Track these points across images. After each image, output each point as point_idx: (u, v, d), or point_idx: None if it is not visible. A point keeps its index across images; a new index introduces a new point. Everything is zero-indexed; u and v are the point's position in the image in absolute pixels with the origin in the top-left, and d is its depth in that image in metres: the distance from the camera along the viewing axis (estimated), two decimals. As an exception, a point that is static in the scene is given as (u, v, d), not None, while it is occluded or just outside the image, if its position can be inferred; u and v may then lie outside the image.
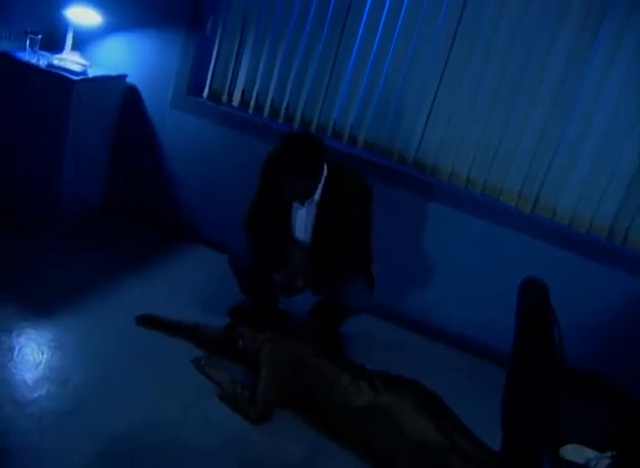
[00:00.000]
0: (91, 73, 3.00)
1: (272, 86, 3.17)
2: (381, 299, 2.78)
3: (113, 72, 3.20)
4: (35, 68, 2.88)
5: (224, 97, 3.26)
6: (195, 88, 3.27)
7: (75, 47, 3.06)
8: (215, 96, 3.27)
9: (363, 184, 2.44)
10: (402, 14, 2.93)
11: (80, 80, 2.89)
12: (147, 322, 2.55)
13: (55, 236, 3.04)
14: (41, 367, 2.18)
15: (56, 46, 3.15)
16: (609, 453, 1.81)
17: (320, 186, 2.39)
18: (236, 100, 3.24)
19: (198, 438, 2.07)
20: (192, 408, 2.20)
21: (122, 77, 3.23)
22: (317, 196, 2.41)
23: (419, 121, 3.02)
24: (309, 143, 2.30)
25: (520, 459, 1.73)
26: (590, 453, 1.81)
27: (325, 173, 2.39)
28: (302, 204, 2.45)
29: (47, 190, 3.02)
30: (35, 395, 2.04)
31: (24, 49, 2.98)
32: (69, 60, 2.94)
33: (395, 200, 3.00)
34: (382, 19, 2.96)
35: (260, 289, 2.65)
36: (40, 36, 2.99)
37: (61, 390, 2.10)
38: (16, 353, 2.21)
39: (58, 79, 2.86)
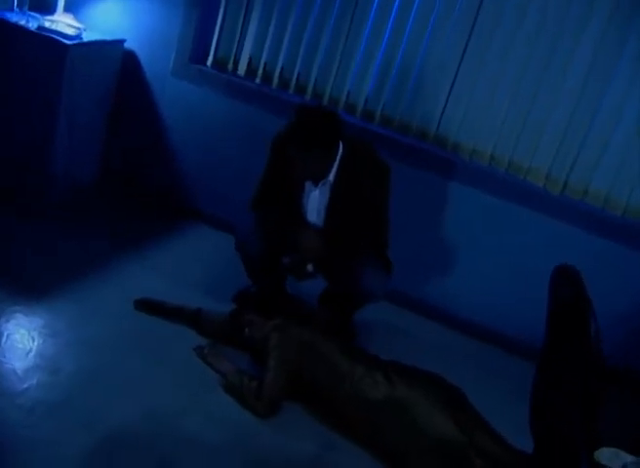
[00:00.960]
0: (85, 37, 2.92)
1: (282, 54, 3.11)
2: (397, 285, 2.73)
3: (110, 37, 3.12)
4: (24, 31, 2.79)
5: (230, 66, 3.20)
6: (198, 55, 3.21)
7: (68, 8, 2.99)
8: (219, 64, 3.21)
9: (380, 162, 2.39)
10: (425, -25, 2.84)
11: (74, 44, 2.81)
12: (146, 307, 2.51)
13: (48, 213, 2.98)
14: (31, 354, 2.14)
15: (47, 7, 3.07)
16: (647, 458, 1.76)
17: (335, 165, 2.35)
18: (242, 69, 3.18)
19: (200, 432, 2.04)
20: (194, 399, 2.16)
21: (119, 42, 3.16)
22: (332, 176, 2.36)
23: (440, 94, 2.94)
24: (326, 117, 2.24)
25: (555, 460, 1.68)
26: (627, 458, 1.76)
27: (340, 150, 2.34)
28: (316, 184, 2.40)
29: (38, 163, 2.96)
30: (25, 385, 2.00)
31: (12, 9, 2.90)
32: (62, 23, 2.85)
33: (413, 179, 2.93)
34: (403, -19, 2.87)
35: (269, 273, 2.61)
36: (30, -5, 2.91)
37: (53, 379, 2.06)
38: (4, 340, 2.17)
39: (49, 43, 2.77)
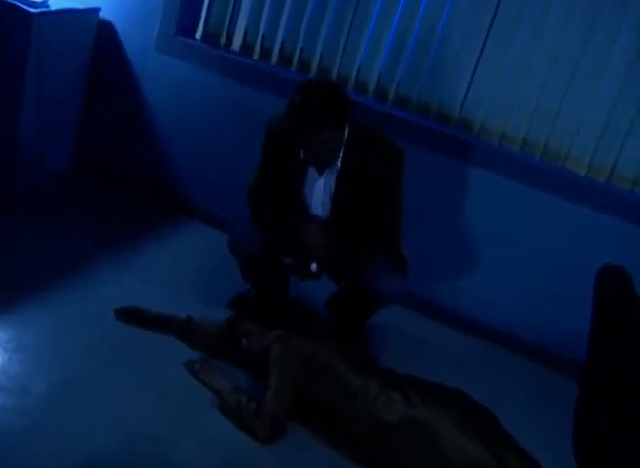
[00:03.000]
0: (52, 5, 2.91)
1: (282, 25, 3.10)
2: (412, 286, 2.69)
3: (81, 4, 3.10)
4: (-20, -4, 2.77)
5: (223, 40, 3.19)
6: (186, 26, 3.20)
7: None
8: (210, 37, 3.21)
9: (392, 147, 2.37)
10: None
11: (39, 13, 2.80)
12: (129, 316, 2.50)
13: (14, 207, 2.98)
14: (-6, 374, 2.08)
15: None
16: None
17: (342, 149, 2.34)
18: (237, 43, 3.17)
19: (192, 457, 2.02)
20: (185, 422, 2.15)
21: (93, 11, 3.14)
22: (339, 162, 2.35)
23: (464, 70, 2.92)
24: (331, 90, 2.24)
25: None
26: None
27: (346, 133, 2.33)
28: (321, 173, 2.38)
29: (3, 152, 2.94)
30: (-13, 410, 1.96)
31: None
32: (23, -13, 2.82)
33: (432, 166, 2.92)
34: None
35: (268, 275, 2.59)
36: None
37: (20, 402, 2.04)
38: (-38, 358, 2.14)
39: (10, 11, 2.75)
